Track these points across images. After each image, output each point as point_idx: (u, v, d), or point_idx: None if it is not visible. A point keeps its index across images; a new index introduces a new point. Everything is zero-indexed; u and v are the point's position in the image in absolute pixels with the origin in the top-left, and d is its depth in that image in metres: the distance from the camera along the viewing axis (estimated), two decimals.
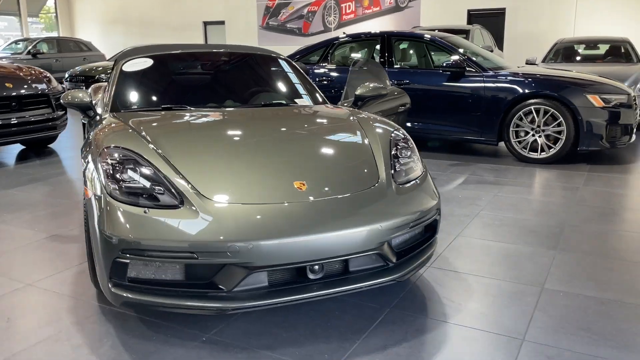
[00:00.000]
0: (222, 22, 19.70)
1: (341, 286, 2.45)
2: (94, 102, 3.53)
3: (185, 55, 4.05)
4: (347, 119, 3.38)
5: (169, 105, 3.47)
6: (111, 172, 2.53)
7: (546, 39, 14.07)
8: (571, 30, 14.34)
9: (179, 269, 2.37)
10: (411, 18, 16.41)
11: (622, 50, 10.62)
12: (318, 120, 3.48)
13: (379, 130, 3.14)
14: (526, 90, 6.26)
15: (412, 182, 2.81)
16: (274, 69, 4.18)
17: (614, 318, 2.63)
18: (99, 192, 2.48)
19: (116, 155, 2.60)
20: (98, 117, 3.49)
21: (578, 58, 10.57)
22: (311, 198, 2.48)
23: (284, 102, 3.83)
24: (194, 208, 2.36)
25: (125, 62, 3.81)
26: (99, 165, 2.57)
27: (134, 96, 3.66)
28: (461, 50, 6.81)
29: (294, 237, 2.29)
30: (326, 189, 2.56)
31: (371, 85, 4.10)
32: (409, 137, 3.17)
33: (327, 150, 2.94)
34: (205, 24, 20.24)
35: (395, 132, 3.15)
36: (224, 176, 2.60)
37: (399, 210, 2.58)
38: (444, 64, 6.73)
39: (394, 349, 2.36)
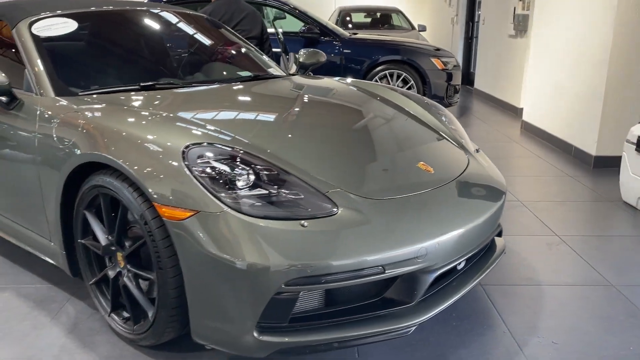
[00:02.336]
0: None
1: (477, 275, 2.25)
2: None
3: (113, 15, 3.03)
4: (365, 90, 3.04)
5: (149, 83, 2.60)
6: (216, 178, 1.82)
7: (312, 9, 14.92)
8: (332, 2, 15.44)
9: (323, 293, 1.88)
10: None
11: (391, 19, 12.02)
12: (346, 92, 3.02)
13: (413, 99, 2.95)
14: (381, 56, 6.59)
15: (477, 150, 2.74)
16: (225, 34, 3.48)
17: None
18: (213, 208, 1.75)
19: (210, 155, 1.87)
20: (30, 105, 2.41)
21: (360, 25, 11.55)
22: (446, 181, 2.22)
23: (261, 73, 3.24)
24: (357, 211, 1.87)
25: (30, 24, 2.68)
26: (190, 172, 1.81)
27: (79, 72, 2.64)
28: (314, 16, 6.76)
29: (462, 228, 2.02)
30: (446, 169, 2.32)
31: (310, 51, 3.80)
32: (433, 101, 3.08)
33: (406, 128, 2.62)
34: None
35: (425, 98, 3.01)
36: (344, 166, 2.12)
37: (498, 181, 2.49)
38: (301, 30, 6.60)
39: (542, 324, 2.31)
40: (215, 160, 1.86)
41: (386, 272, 1.81)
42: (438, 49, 7.13)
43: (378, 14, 12.07)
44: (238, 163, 1.88)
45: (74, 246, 2.32)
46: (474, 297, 2.54)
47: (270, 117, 2.46)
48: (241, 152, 1.92)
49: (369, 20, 12.22)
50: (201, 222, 1.76)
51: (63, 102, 2.35)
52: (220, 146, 1.92)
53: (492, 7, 8.83)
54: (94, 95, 2.44)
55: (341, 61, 6.57)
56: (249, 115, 2.45)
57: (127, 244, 2.06)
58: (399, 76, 6.60)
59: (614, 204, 3.88)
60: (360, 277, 1.78)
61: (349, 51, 6.59)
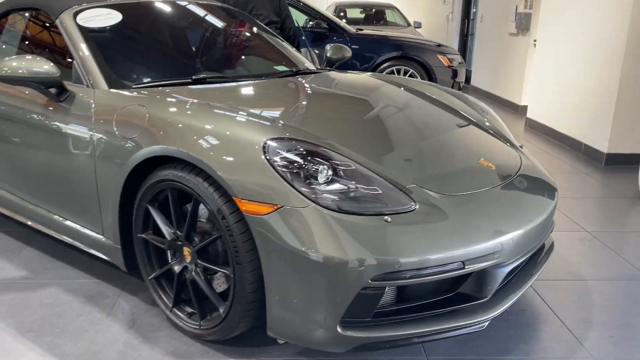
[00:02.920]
0: None
1: (536, 269, 2.26)
2: None
3: (155, 7, 2.98)
4: (410, 88, 3.02)
5: (200, 76, 2.58)
6: (297, 172, 1.81)
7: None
8: None
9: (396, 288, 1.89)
10: None
11: (386, 15, 12.05)
12: (391, 90, 2.99)
13: (455, 96, 2.97)
14: (389, 52, 6.62)
15: (521, 147, 2.77)
16: (256, 28, 3.45)
17: None
18: (298, 203, 1.75)
19: (293, 149, 1.86)
20: (82, 97, 2.37)
21: (354, 21, 11.54)
22: (508, 178, 2.24)
23: (300, 68, 3.20)
24: (434, 206, 1.88)
25: (75, 15, 2.63)
26: (272, 166, 1.80)
27: (127, 64, 2.59)
28: (321, 11, 6.75)
29: (531, 224, 2.04)
30: (504, 165, 2.33)
31: (335, 47, 3.79)
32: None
33: (457, 125, 2.63)
34: None
35: (466, 95, 3.03)
36: (414, 162, 2.13)
37: (549, 177, 2.52)
38: (309, 24, 6.58)
39: (595, 319, 2.36)
40: (296, 155, 1.85)
41: (466, 267, 1.83)
42: (440, 45, 7.18)
43: (373, 10, 12.08)
44: (317, 158, 1.87)
45: (129, 241, 2.29)
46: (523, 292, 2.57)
47: (332, 113, 2.46)
48: (319, 147, 1.92)
49: (362, 15, 12.22)
50: (285, 217, 1.75)
51: (121, 94, 2.31)
52: (299, 141, 1.91)
53: (491, 5, 8.89)
54: (158, 88, 2.40)
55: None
56: (313, 111, 2.45)
57: (196, 238, 2.04)
58: (405, 72, 6.63)
59: (632, 200, 3.97)
60: (442, 273, 1.80)
61: (357, 47, 6.58)
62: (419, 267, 1.75)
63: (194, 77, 2.54)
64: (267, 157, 1.82)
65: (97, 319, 2.28)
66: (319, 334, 1.80)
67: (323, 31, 6.56)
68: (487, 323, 1.93)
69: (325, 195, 1.79)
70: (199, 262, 2.04)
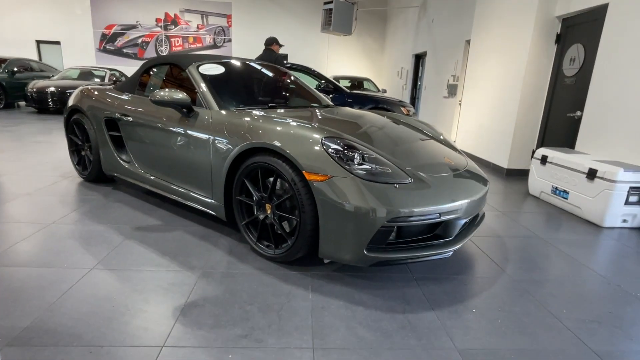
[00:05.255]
0: (58, 43, 14.90)
1: (475, 228, 2.32)
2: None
3: (242, 64, 3.09)
4: (395, 118, 3.10)
5: (272, 104, 2.67)
6: (341, 157, 1.90)
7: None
8: (325, 70, 15.62)
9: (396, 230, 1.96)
10: (225, 54, 15.41)
11: (363, 84, 12.22)
12: (375, 116, 3.06)
13: (424, 124, 3.06)
14: (370, 104, 6.74)
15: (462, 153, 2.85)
16: (293, 79, 3.54)
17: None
18: (342, 174, 1.84)
19: (338, 143, 1.95)
20: (203, 115, 2.45)
21: (346, 87, 11.69)
22: (462, 169, 2.33)
23: (328, 104, 3.30)
24: (422, 181, 1.98)
25: (197, 67, 2.73)
26: (327, 153, 1.89)
27: (227, 96, 2.67)
28: (328, 78, 6.88)
29: (476, 196, 2.14)
30: (458, 162, 2.43)
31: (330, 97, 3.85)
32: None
33: (429, 140, 2.72)
34: (38, 42, 14.98)
35: (429, 124, 3.12)
36: (408, 156, 2.22)
37: (482, 172, 2.61)
38: (322, 86, 6.70)
39: (512, 257, 2.46)
40: (339, 146, 1.94)
41: (441, 217, 1.92)
42: (400, 101, 7.30)
43: (357, 82, 12.27)
44: (352, 149, 1.97)
45: (228, 201, 2.35)
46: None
47: (350, 125, 2.53)
48: (352, 142, 2.01)
49: (350, 84, 12.39)
50: (334, 183, 1.85)
51: (227, 113, 2.39)
52: (341, 138, 2.01)
53: (431, 79, 9.08)
54: (241, 111, 2.48)
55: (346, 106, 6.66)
56: (340, 124, 2.52)
57: (275, 198, 2.12)
58: None
59: (523, 195, 4.07)
60: (427, 220, 1.88)
61: (351, 100, 6.70)
62: (415, 215, 1.84)
63: (269, 104, 2.63)
64: (324, 147, 1.91)
65: (208, 248, 2.34)
66: (352, 255, 1.88)
67: (330, 90, 6.68)
68: (451, 253, 2.01)
69: (358, 171, 1.88)
70: (277, 212, 2.11)
